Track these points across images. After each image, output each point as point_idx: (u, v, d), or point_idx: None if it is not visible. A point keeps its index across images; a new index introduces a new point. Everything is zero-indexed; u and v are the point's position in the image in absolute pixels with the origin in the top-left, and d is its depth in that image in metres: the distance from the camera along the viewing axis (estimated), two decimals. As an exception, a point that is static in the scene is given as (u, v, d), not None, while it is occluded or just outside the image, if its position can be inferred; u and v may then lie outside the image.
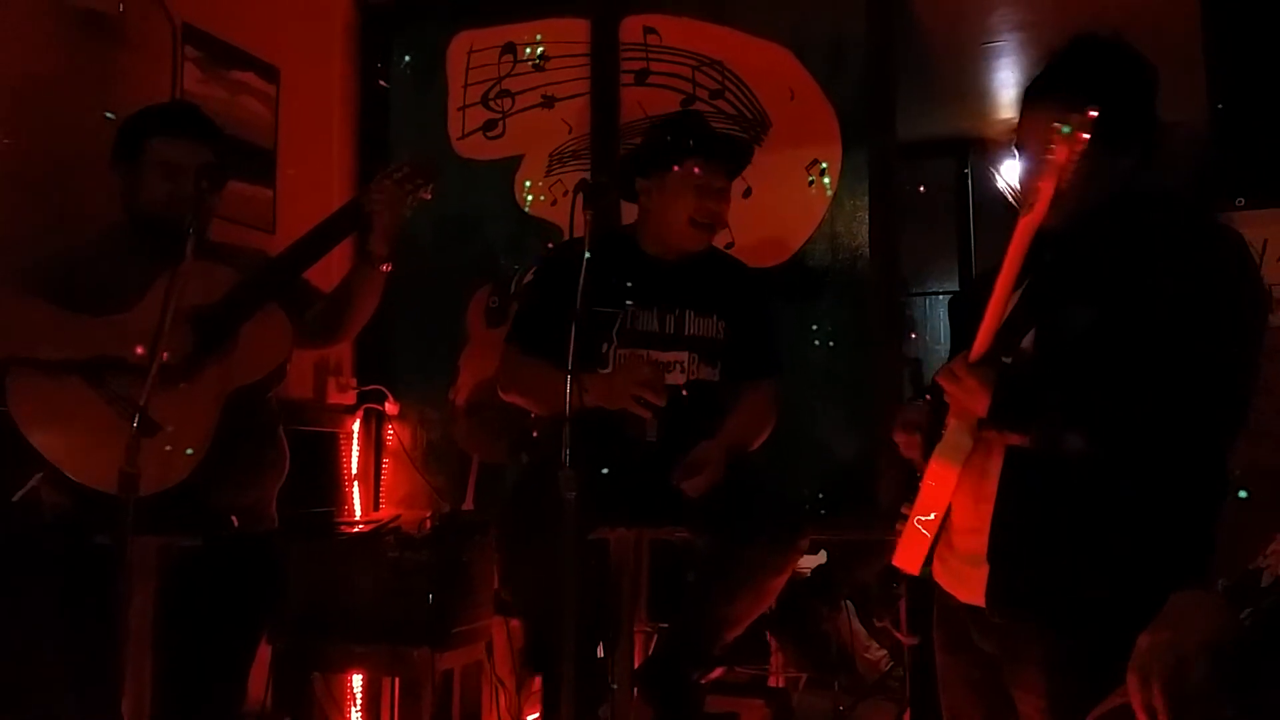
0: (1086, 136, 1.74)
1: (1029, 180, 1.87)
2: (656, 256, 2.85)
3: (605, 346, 2.77)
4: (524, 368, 2.82)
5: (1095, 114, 1.75)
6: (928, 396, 2.10)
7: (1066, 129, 1.75)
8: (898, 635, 2.19)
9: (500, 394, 2.91)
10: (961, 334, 2.08)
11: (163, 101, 2.96)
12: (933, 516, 1.99)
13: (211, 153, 2.67)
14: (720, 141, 2.93)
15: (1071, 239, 1.94)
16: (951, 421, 1.97)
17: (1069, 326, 1.88)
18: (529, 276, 2.98)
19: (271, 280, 2.65)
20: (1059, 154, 1.76)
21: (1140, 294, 1.84)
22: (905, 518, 2.03)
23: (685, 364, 2.81)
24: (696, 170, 2.80)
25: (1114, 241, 1.92)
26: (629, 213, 3.20)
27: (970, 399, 1.89)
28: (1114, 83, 1.93)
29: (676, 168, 2.80)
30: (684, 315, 2.85)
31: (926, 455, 2.00)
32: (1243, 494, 1.92)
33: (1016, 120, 2.05)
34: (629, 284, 2.76)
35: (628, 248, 2.88)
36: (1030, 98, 2.01)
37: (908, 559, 2.04)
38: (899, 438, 2.10)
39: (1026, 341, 1.94)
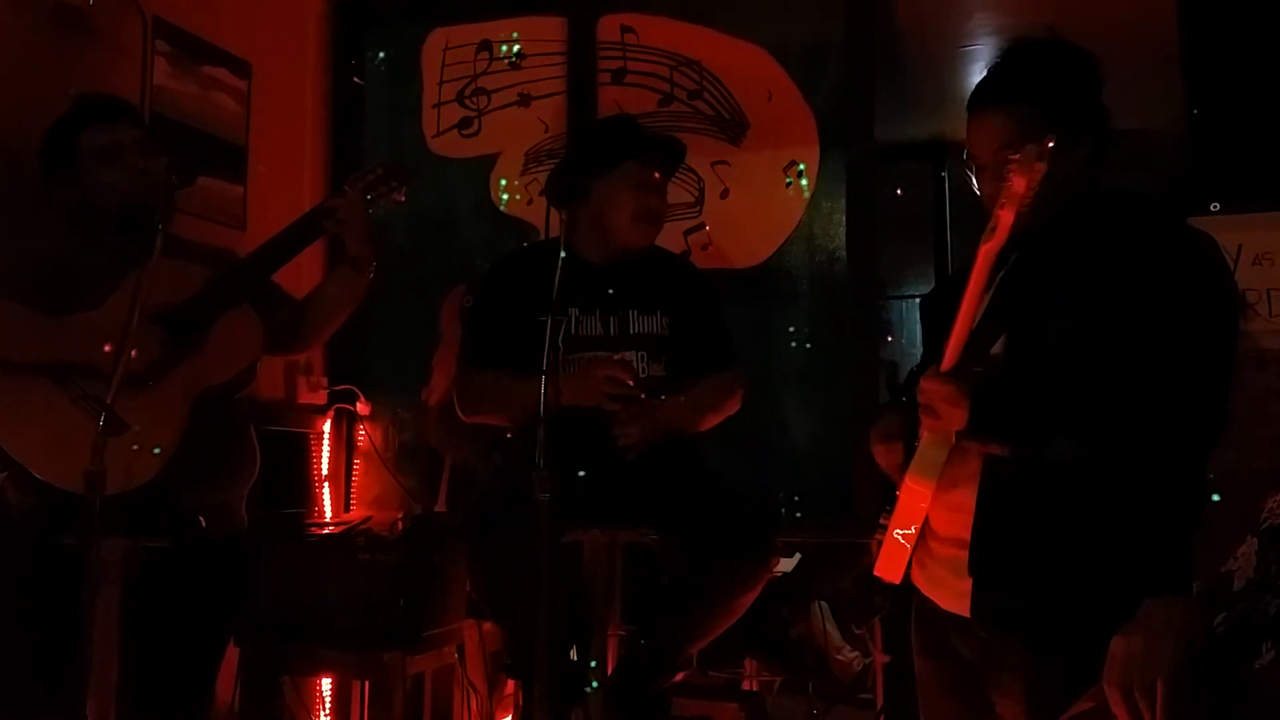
0: (1043, 166, 1.75)
1: (990, 204, 1.89)
2: (593, 261, 2.83)
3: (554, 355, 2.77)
4: (486, 385, 2.81)
5: (1051, 144, 1.78)
6: (904, 399, 2.09)
7: (1022, 158, 1.76)
8: (874, 652, 2.18)
9: (462, 417, 2.89)
10: (933, 336, 2.08)
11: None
12: (912, 529, 1.99)
13: (141, 132, 2.64)
14: (659, 139, 2.94)
15: (1036, 240, 1.94)
16: (925, 435, 1.96)
17: (1041, 333, 1.88)
18: (467, 301, 2.98)
19: (241, 280, 2.62)
20: (1016, 184, 1.77)
21: (1113, 298, 1.83)
22: (884, 528, 2.02)
23: (635, 363, 2.80)
24: (639, 167, 2.80)
25: (1081, 243, 1.92)
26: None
27: (947, 411, 1.88)
28: (1050, 81, 1.95)
29: (619, 166, 2.80)
30: (628, 315, 2.84)
31: (903, 467, 1.99)
32: (1215, 497, 1.92)
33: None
34: (569, 290, 2.75)
35: (549, 254, 2.86)
36: (971, 108, 2.02)
37: (889, 569, 2.03)
38: (877, 448, 2.09)
39: (996, 347, 1.93)
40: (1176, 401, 1.79)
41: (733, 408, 2.90)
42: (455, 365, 2.98)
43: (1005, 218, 1.79)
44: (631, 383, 2.63)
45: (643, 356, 2.81)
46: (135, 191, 2.52)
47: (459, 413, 2.90)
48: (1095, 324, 1.82)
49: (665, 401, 2.73)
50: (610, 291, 2.82)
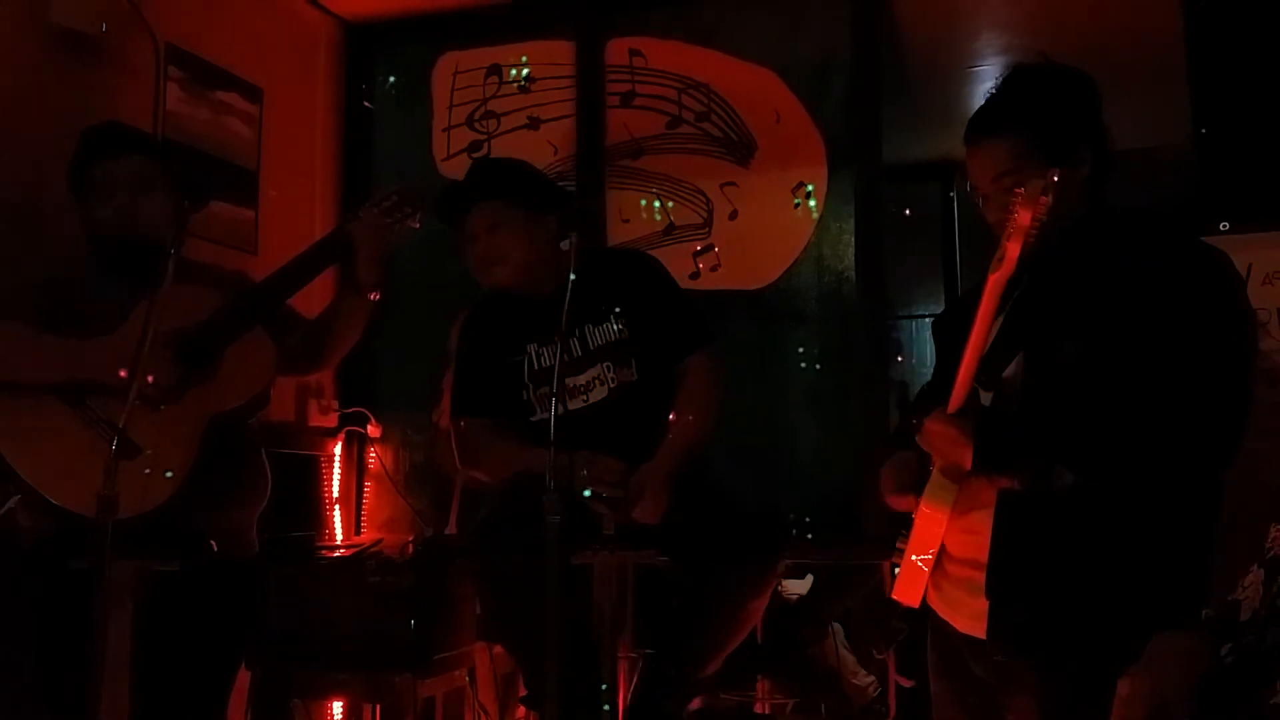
0: (1048, 200, 1.76)
1: (998, 231, 1.90)
2: (540, 293, 2.81)
3: (524, 393, 2.79)
4: (486, 445, 2.81)
5: (1057, 177, 1.80)
6: (914, 420, 2.10)
7: (1027, 192, 1.77)
8: (897, 678, 2.19)
9: (461, 468, 2.91)
10: (945, 358, 2.08)
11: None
12: (929, 554, 2.00)
13: (146, 160, 2.66)
14: (447, 194, 2.93)
15: (1047, 262, 1.94)
16: (938, 461, 1.98)
17: (1057, 353, 1.88)
18: (451, 344, 3.01)
19: (255, 305, 2.63)
20: (1022, 217, 1.78)
21: (1126, 316, 1.84)
22: (901, 552, 2.04)
23: (602, 375, 2.79)
24: (459, 227, 2.85)
25: (1093, 262, 1.93)
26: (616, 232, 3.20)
27: (953, 451, 1.89)
28: (1043, 107, 1.98)
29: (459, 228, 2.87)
30: (584, 332, 2.82)
31: (917, 493, 2.01)
32: None
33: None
34: (526, 328, 2.79)
35: (508, 297, 2.88)
36: (968, 139, 2.04)
37: (907, 592, 2.05)
38: (890, 499, 2.10)
39: (1010, 369, 1.93)
40: (1189, 417, 1.79)
41: (718, 394, 2.81)
42: (452, 421, 2.98)
43: (1012, 250, 1.81)
44: (608, 494, 2.56)
45: (609, 366, 2.79)
46: (132, 228, 2.55)
47: (459, 462, 2.91)
48: (1110, 342, 1.83)
49: (661, 453, 2.67)
50: (557, 316, 2.82)
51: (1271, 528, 1.60)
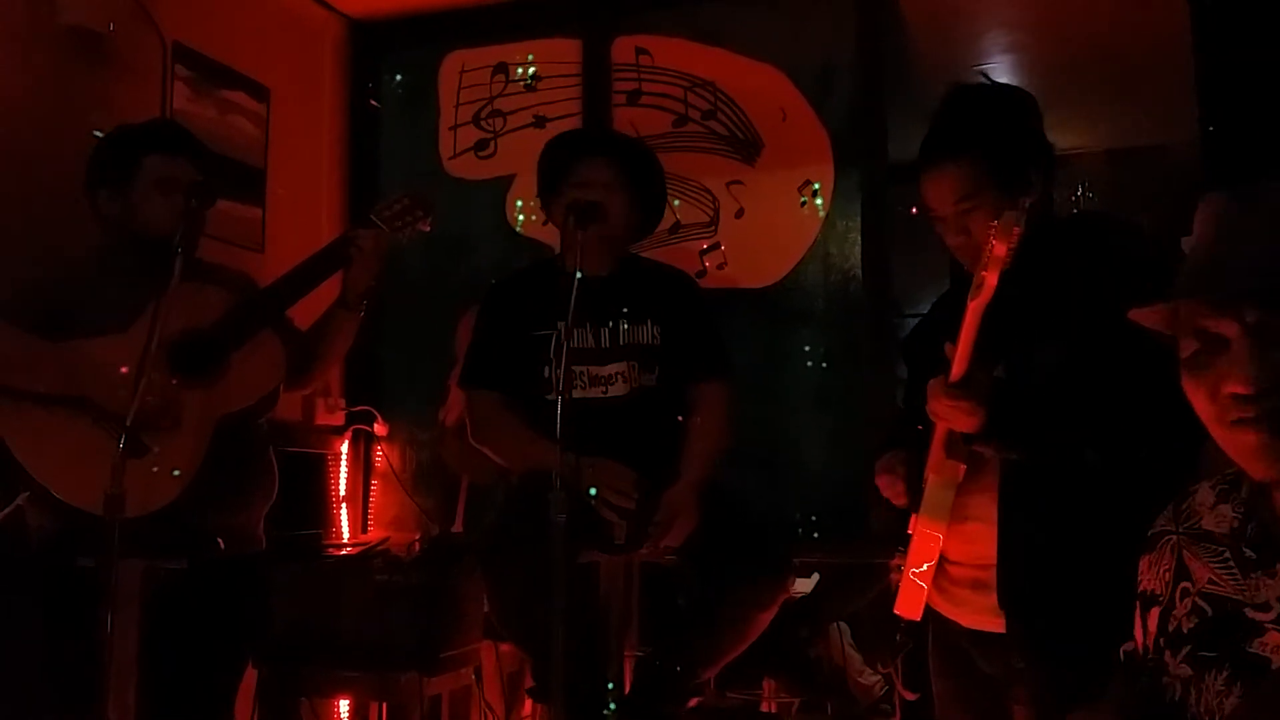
0: (1020, 230, 1.77)
1: (957, 254, 1.96)
2: (584, 274, 2.81)
3: (545, 370, 2.78)
4: (499, 426, 2.82)
5: (1029, 202, 1.83)
6: (920, 428, 2.10)
7: (1001, 224, 1.78)
8: (900, 690, 2.20)
9: (473, 442, 2.90)
10: (917, 375, 2.09)
11: (148, 120, 2.92)
12: (925, 568, 2.02)
13: (199, 171, 2.66)
14: (588, 131, 3.02)
15: (1010, 274, 1.95)
16: (930, 477, 1.99)
17: (1035, 360, 1.90)
18: (457, 342, 3.01)
19: (264, 308, 2.63)
20: (998, 249, 1.79)
21: (1090, 312, 1.85)
22: (900, 568, 2.05)
23: (626, 374, 2.80)
24: (578, 169, 2.84)
25: (1053, 268, 1.95)
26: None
27: (961, 418, 1.88)
28: (995, 128, 2.00)
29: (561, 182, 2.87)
30: (618, 326, 2.84)
31: (913, 506, 2.02)
32: None
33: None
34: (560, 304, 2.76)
35: (552, 271, 2.89)
36: (922, 164, 2.05)
37: (908, 607, 2.06)
38: (881, 480, 2.12)
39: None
40: (1156, 395, 1.80)
41: (730, 423, 2.86)
42: (465, 391, 2.98)
43: (990, 279, 1.82)
44: (632, 505, 2.60)
45: (634, 366, 2.81)
46: (176, 228, 2.53)
47: (470, 435, 2.91)
48: (1082, 341, 1.85)
49: (686, 476, 2.70)
50: (600, 303, 2.82)
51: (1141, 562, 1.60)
